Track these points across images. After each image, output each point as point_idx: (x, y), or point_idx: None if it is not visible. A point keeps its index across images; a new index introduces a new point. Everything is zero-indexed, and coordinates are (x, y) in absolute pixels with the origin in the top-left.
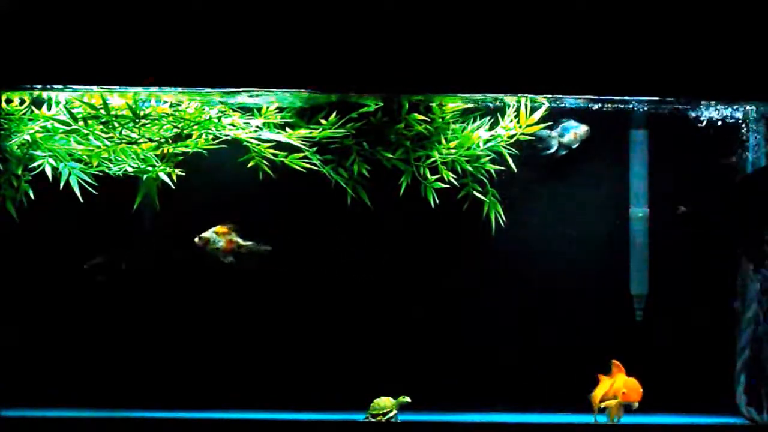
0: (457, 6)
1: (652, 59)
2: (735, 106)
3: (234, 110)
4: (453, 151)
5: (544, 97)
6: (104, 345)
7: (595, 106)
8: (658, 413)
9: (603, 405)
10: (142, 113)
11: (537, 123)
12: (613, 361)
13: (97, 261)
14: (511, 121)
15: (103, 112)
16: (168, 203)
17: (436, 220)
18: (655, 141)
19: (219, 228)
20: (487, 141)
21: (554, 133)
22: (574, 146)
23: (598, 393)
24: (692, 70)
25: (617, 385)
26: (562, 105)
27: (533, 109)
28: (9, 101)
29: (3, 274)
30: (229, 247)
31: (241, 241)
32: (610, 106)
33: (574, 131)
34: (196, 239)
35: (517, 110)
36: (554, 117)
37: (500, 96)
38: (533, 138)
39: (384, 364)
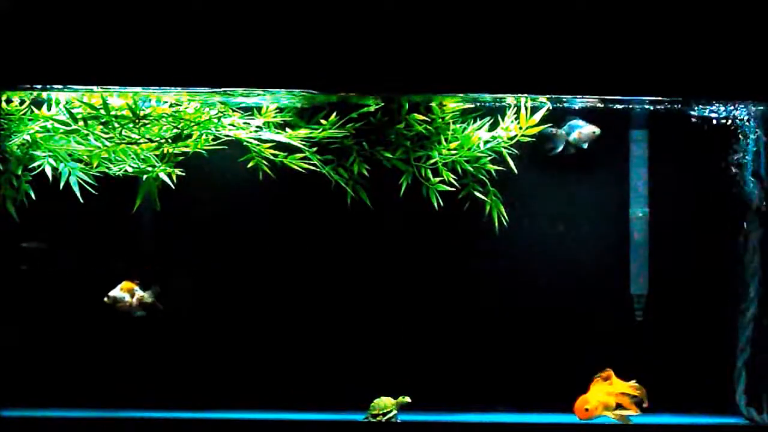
0: (457, 6)
1: (652, 59)
2: (736, 106)
3: (234, 110)
4: (453, 151)
5: (546, 98)
6: (102, 345)
7: (593, 105)
8: (658, 413)
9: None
10: (141, 113)
11: (538, 124)
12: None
13: (32, 246)
14: (512, 121)
15: (103, 112)
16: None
17: (437, 219)
18: (656, 141)
19: (125, 285)
20: (487, 142)
21: (561, 132)
22: (581, 146)
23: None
24: (692, 70)
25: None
26: (569, 105)
27: (534, 110)
28: (9, 101)
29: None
30: (137, 303)
31: (145, 294)
32: (613, 105)
33: (579, 131)
34: (105, 298)
35: (518, 111)
36: (562, 116)
37: (500, 96)
38: (540, 137)
39: (384, 364)
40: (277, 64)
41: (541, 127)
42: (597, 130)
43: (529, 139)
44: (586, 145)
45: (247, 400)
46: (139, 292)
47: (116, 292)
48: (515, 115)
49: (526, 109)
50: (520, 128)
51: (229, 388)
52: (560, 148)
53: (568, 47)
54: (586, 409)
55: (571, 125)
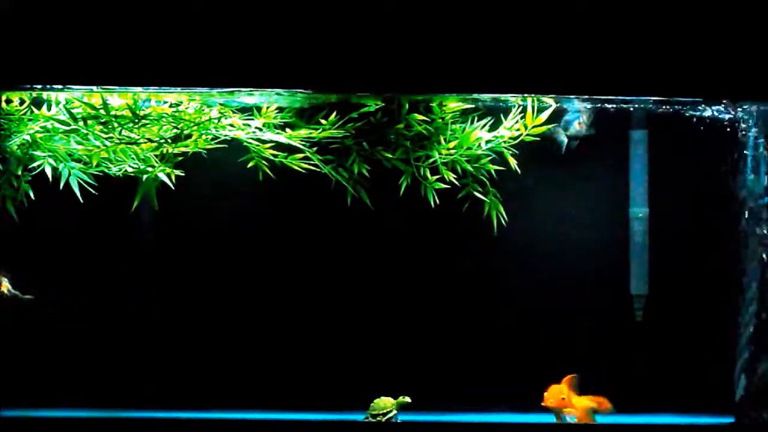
0: (457, 6)
1: (652, 59)
2: (736, 106)
3: (234, 111)
4: (453, 150)
5: (551, 98)
6: (102, 344)
7: (593, 105)
8: (657, 413)
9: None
10: (141, 113)
11: (543, 124)
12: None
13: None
14: (517, 122)
15: (102, 112)
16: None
17: (437, 219)
18: (655, 141)
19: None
20: (489, 141)
21: (560, 130)
22: (584, 133)
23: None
24: (693, 70)
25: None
26: (558, 104)
27: (540, 110)
28: (9, 101)
29: None
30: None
31: (9, 288)
32: (613, 105)
33: (577, 121)
34: None
35: (523, 110)
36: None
37: (500, 96)
38: (543, 141)
39: (384, 364)
40: (277, 64)
41: (546, 127)
42: (589, 113)
43: (532, 138)
44: (593, 130)
45: (247, 400)
46: (6, 282)
47: None
48: (521, 115)
49: (532, 108)
50: (526, 127)
51: (230, 388)
52: (566, 144)
53: (568, 47)
54: (563, 398)
55: (567, 120)
